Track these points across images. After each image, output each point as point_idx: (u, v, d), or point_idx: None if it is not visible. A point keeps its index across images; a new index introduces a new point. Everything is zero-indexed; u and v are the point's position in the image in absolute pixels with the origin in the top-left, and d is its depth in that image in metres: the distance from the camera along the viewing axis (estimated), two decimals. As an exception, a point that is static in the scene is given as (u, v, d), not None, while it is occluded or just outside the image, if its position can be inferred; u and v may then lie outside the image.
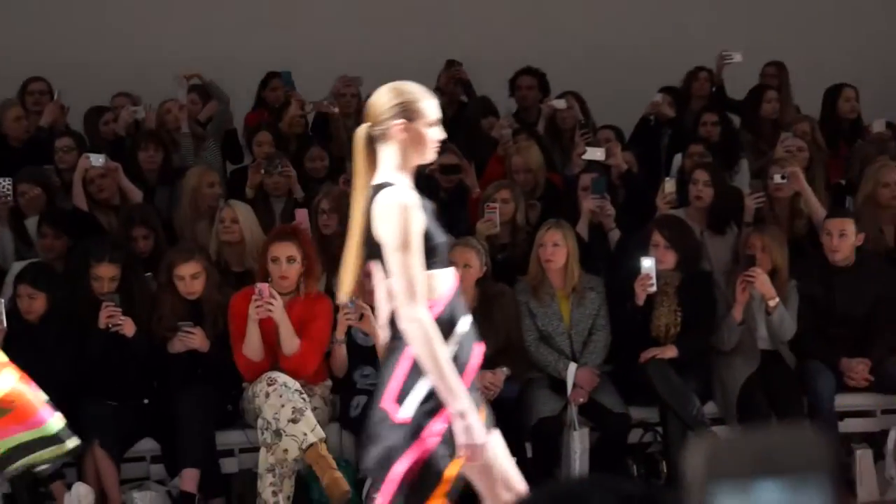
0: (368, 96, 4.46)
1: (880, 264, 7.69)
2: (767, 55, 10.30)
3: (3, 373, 4.11)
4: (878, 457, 7.26)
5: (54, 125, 9.01)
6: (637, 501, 1.11)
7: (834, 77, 10.07)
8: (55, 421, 4.23)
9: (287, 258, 6.82)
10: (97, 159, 7.96)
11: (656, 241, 7.23)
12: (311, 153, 8.94)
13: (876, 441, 7.32)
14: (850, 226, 7.47)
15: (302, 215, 7.75)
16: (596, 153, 8.41)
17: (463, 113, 9.96)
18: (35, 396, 4.24)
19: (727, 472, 0.75)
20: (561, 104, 9.31)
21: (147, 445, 6.90)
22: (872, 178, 8.18)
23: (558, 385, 7.13)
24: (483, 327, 7.04)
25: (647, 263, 7.06)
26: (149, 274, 7.38)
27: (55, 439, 4.20)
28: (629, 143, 9.39)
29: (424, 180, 8.27)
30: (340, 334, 6.88)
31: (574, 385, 7.07)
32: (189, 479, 6.62)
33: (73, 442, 4.25)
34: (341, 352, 6.93)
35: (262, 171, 8.43)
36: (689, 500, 0.76)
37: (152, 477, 6.89)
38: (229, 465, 6.93)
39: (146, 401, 6.96)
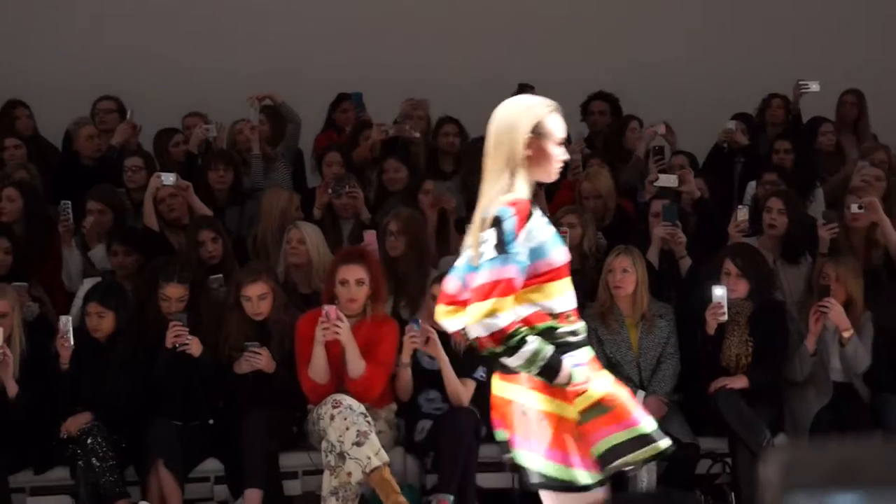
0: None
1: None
2: (845, 83, 10.23)
3: (600, 375, 4.22)
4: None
5: (126, 144, 9.11)
6: None
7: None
8: (648, 422, 4.32)
9: (356, 281, 6.83)
10: (168, 178, 8.02)
11: (728, 270, 7.20)
12: (388, 164, 8.95)
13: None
14: None
15: (371, 237, 7.75)
16: (669, 180, 8.39)
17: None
18: (629, 398, 4.35)
19: (803, 482, 0.76)
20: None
21: (211, 466, 6.93)
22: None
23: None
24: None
25: (719, 292, 7.03)
26: (219, 275, 7.43)
27: (649, 439, 4.30)
28: (702, 170, 9.37)
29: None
30: (406, 357, 6.87)
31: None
32: (252, 501, 6.64)
33: (665, 443, 4.33)
34: (406, 375, 6.92)
35: (330, 192, 8.46)
36: None
37: (216, 497, 6.93)
38: (292, 488, 6.94)
39: (211, 421, 7.00)
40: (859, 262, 7.60)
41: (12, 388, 6.66)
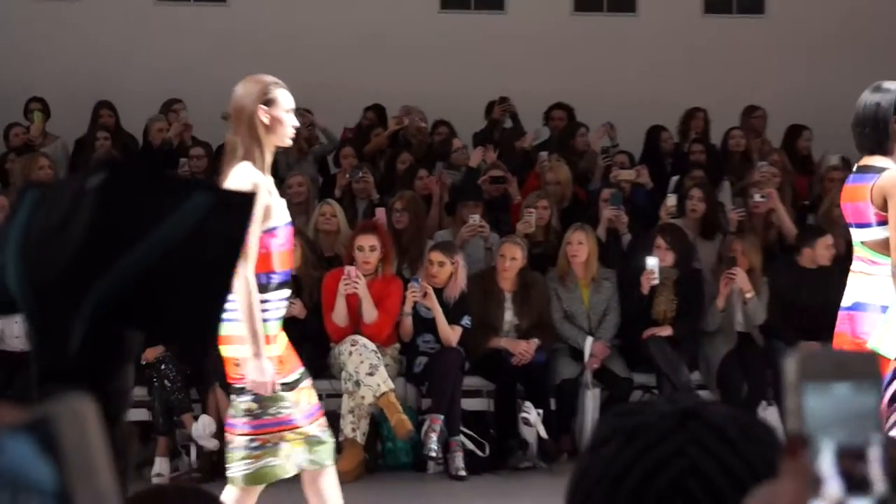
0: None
1: (835, 268, 7.64)
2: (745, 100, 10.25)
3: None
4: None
5: (181, 139, 9.08)
6: (686, 409, 1.13)
7: (793, 118, 9.99)
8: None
9: (370, 247, 6.84)
10: None
11: (659, 244, 7.23)
12: (402, 157, 9.02)
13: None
14: (829, 241, 7.43)
15: (381, 213, 7.77)
16: (629, 174, 8.47)
17: (507, 137, 9.97)
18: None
19: (814, 376, 0.78)
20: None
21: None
22: (829, 200, 8.18)
23: (577, 354, 7.16)
24: (520, 307, 7.21)
25: (652, 262, 7.06)
26: None
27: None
28: (638, 164, 9.35)
29: (476, 189, 8.36)
30: (408, 308, 6.88)
31: (590, 354, 7.11)
32: (285, 416, 6.71)
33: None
34: (408, 322, 6.95)
35: (348, 177, 8.52)
36: (788, 397, 0.79)
37: (258, 413, 6.97)
38: (329, 404, 6.97)
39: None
40: (759, 239, 7.63)
41: None
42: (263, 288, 4.05)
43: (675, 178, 8.90)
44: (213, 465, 6.40)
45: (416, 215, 7.75)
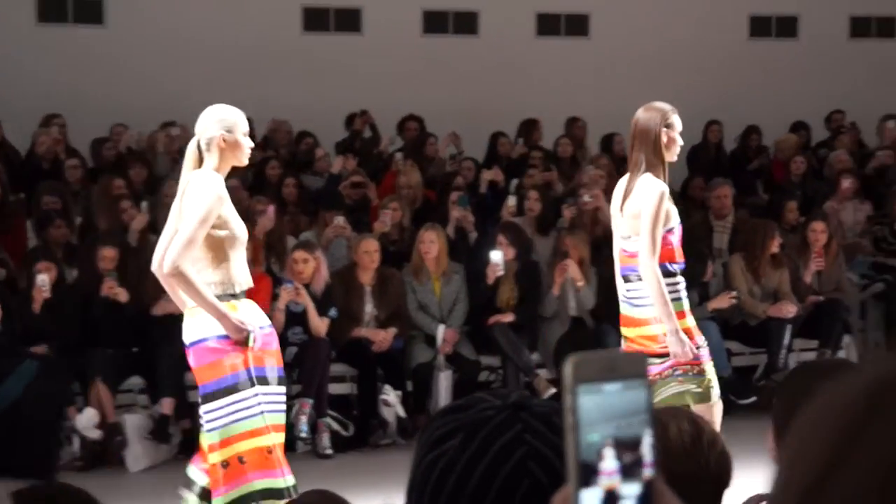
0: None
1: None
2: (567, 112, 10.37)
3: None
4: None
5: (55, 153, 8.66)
6: (516, 402, 1.15)
7: (607, 128, 10.13)
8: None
9: None
10: None
11: (501, 241, 7.24)
12: (271, 164, 8.77)
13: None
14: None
15: (271, 210, 7.46)
16: (491, 174, 8.60)
17: (366, 146, 9.91)
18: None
19: (586, 378, 0.78)
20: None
21: (135, 381, 6.76)
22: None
23: (431, 340, 7.12)
24: (379, 299, 7.12)
25: (495, 256, 7.06)
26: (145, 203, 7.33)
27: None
28: (483, 166, 9.39)
29: (338, 194, 8.25)
30: (282, 305, 6.71)
31: (442, 340, 7.09)
32: (167, 406, 6.50)
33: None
34: (279, 316, 6.77)
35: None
36: (565, 397, 0.78)
37: (139, 404, 6.76)
38: (194, 396, 6.76)
39: (135, 349, 6.83)
40: (588, 235, 7.70)
41: None
42: (671, 275, 4.40)
43: (514, 181, 8.97)
44: (95, 456, 6.27)
45: (280, 218, 7.61)
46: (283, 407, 4.04)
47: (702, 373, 4.50)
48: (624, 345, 4.64)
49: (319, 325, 6.78)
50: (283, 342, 6.84)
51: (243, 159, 4.03)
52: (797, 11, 12.12)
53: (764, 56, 11.83)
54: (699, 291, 7.63)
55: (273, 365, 4.03)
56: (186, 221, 3.84)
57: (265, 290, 6.78)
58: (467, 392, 6.56)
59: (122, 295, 6.68)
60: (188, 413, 6.71)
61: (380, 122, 10.05)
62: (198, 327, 3.92)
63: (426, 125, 10.09)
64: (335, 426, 6.75)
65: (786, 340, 7.43)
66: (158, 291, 6.64)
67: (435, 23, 11.58)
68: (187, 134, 9.19)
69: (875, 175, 9.47)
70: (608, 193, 8.25)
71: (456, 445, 1.12)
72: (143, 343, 6.82)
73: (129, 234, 7.42)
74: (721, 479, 1.81)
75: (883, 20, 12.33)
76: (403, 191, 8.35)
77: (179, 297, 4.05)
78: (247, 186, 8.45)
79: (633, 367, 0.79)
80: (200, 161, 3.99)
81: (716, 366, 7.25)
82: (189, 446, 6.60)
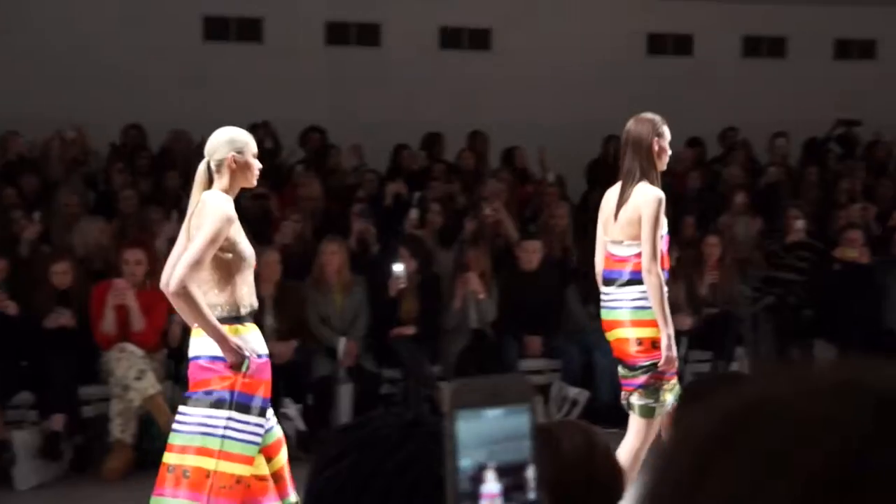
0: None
1: (552, 270, 7.92)
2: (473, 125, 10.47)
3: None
4: (546, 402, 7.46)
5: None
6: (411, 420, 1.17)
7: (509, 141, 10.26)
8: None
9: (135, 261, 6.59)
10: None
11: (403, 253, 7.26)
12: (169, 174, 8.66)
13: (545, 392, 7.47)
14: (538, 245, 7.69)
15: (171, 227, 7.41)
16: (397, 187, 8.58)
17: (267, 157, 9.79)
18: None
19: (465, 404, 0.78)
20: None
21: (25, 397, 6.58)
22: (548, 211, 8.44)
23: (332, 353, 7.09)
24: (279, 311, 7.06)
25: (398, 268, 7.09)
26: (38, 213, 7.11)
27: None
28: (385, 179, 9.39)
29: (238, 206, 8.15)
30: (178, 317, 6.68)
31: (343, 353, 7.05)
32: (57, 421, 6.35)
33: None
34: (177, 329, 6.65)
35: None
36: (445, 422, 0.78)
37: (29, 420, 6.57)
38: (88, 412, 6.66)
39: (25, 363, 6.64)
40: (488, 247, 7.77)
41: None
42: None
43: (417, 194, 8.99)
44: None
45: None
46: (257, 439, 3.97)
47: (672, 388, 4.61)
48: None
49: (218, 338, 6.68)
50: (181, 355, 6.77)
51: (252, 181, 4.08)
52: (692, 30, 12.46)
53: (661, 73, 12.12)
54: (597, 304, 7.76)
55: (261, 395, 3.99)
56: (195, 242, 3.85)
57: (164, 302, 6.63)
58: (369, 405, 6.55)
59: (12, 308, 6.50)
60: (80, 429, 6.57)
61: (281, 133, 9.98)
62: (200, 345, 3.94)
63: (328, 137, 10.04)
64: (234, 441, 6.66)
65: (681, 352, 7.61)
66: (50, 304, 6.56)
67: (337, 34, 11.56)
68: (83, 138, 9.07)
69: (766, 191, 9.78)
70: (508, 207, 8.48)
71: (351, 464, 1.13)
72: (33, 357, 6.64)
73: (21, 245, 7.23)
74: (614, 490, 1.86)
75: (774, 40, 12.76)
76: (305, 203, 8.31)
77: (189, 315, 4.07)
78: (144, 198, 8.32)
79: (518, 393, 0.80)
80: (210, 182, 4.00)
81: (613, 378, 7.47)
82: (81, 463, 6.47)
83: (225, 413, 3.89)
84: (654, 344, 4.52)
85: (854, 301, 7.99)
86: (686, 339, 7.62)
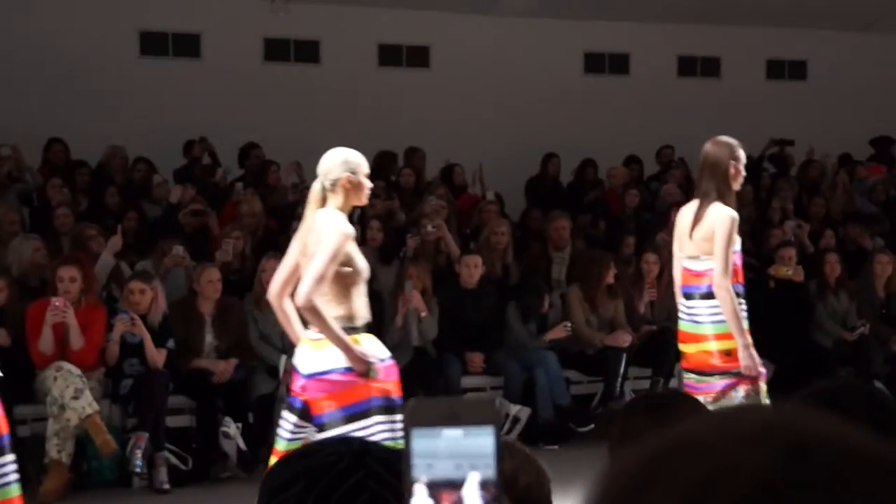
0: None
1: (492, 287, 8.00)
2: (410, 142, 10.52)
3: None
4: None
5: None
6: (360, 448, 1.18)
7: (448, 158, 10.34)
8: None
9: (69, 278, 6.52)
10: None
11: None
12: (109, 190, 8.59)
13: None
14: (479, 261, 7.76)
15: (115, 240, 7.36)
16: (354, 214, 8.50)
17: (205, 173, 9.74)
18: None
19: (422, 423, 0.79)
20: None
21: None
22: (488, 228, 8.53)
23: (273, 371, 7.07)
24: (220, 329, 7.03)
25: None
26: None
27: None
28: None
29: (175, 223, 8.11)
30: (116, 336, 6.60)
31: (284, 371, 7.00)
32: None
33: None
34: (114, 348, 6.67)
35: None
36: (404, 440, 0.79)
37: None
38: (23, 431, 6.55)
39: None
40: (430, 264, 7.85)
41: None
42: (736, 294, 4.75)
43: (357, 211, 8.98)
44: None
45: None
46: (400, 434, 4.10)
47: (758, 392, 4.79)
48: (682, 361, 5.01)
49: (156, 356, 6.67)
50: (119, 374, 6.73)
51: (364, 199, 4.37)
52: (629, 49, 12.68)
53: (598, 91, 12.32)
54: (538, 322, 7.87)
55: (396, 395, 4.23)
56: (317, 258, 4.06)
57: (101, 320, 6.63)
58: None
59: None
60: (15, 449, 6.45)
61: (220, 149, 9.94)
62: (323, 359, 4.09)
63: (267, 153, 10.02)
64: (173, 460, 6.63)
65: (621, 369, 7.73)
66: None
67: (275, 50, 11.56)
68: (18, 155, 8.94)
69: (702, 208, 9.97)
70: (448, 223, 8.53)
71: (299, 492, 1.13)
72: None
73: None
74: None
75: (708, 60, 13.04)
76: (245, 219, 8.27)
77: (293, 329, 4.29)
78: (80, 214, 8.24)
79: (479, 415, 0.82)
80: (323, 200, 4.22)
81: (554, 395, 7.58)
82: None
83: (373, 419, 4.10)
84: (731, 353, 4.80)
85: (788, 318, 8.18)
86: (626, 355, 7.74)
